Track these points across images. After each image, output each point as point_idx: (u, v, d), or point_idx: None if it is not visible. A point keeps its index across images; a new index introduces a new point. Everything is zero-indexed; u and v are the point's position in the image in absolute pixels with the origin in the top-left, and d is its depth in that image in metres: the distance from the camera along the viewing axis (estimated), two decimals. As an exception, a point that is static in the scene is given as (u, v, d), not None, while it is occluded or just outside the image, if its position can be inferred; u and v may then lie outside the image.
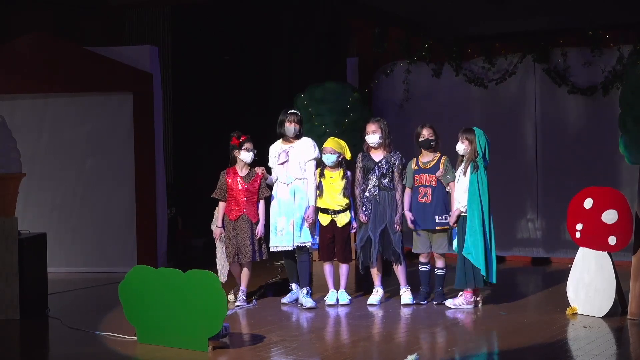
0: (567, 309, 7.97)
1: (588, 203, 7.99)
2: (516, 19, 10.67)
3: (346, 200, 8.62)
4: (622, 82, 10.27)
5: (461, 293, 8.36)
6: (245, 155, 8.66)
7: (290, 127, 8.70)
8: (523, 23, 10.89)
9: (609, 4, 10.02)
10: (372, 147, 8.58)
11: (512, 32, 11.24)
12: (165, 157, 11.70)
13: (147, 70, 11.03)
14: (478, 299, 8.40)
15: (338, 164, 8.63)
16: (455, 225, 8.33)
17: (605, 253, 7.86)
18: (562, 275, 9.12)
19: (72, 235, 10.96)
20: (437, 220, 8.42)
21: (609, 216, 7.83)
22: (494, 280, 8.22)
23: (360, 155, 8.69)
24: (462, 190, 8.23)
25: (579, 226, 8.02)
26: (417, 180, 8.54)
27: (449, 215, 8.37)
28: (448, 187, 8.42)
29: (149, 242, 10.89)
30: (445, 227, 8.42)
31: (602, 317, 7.74)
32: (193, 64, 13.49)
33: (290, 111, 8.77)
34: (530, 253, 11.49)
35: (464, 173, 8.23)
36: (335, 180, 8.63)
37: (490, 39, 11.43)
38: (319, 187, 8.63)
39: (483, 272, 8.10)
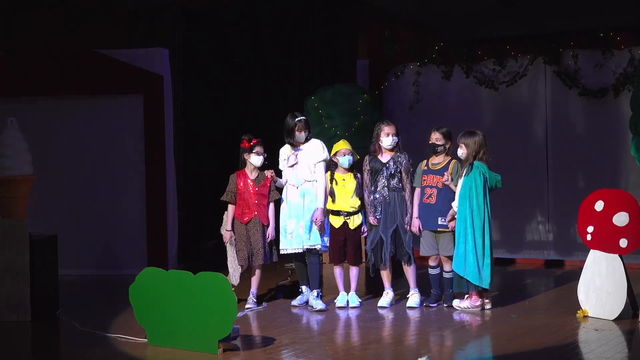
0: (578, 311, 7.95)
1: (599, 205, 7.96)
2: (526, 21, 10.65)
3: (359, 202, 8.62)
4: (633, 84, 10.24)
5: (467, 295, 8.35)
6: (256, 159, 8.67)
7: (300, 135, 8.69)
8: (533, 25, 10.87)
9: (619, 5, 10.00)
10: (387, 149, 8.58)
11: (522, 34, 11.22)
12: (175, 158, 11.69)
13: (157, 72, 11.05)
14: (486, 300, 8.39)
15: (352, 166, 8.64)
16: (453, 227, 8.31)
17: (617, 256, 7.84)
18: (573, 277, 9.11)
19: (83, 237, 10.95)
20: (439, 222, 8.41)
21: (620, 218, 7.81)
22: (487, 286, 8.19)
23: (366, 157, 8.67)
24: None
25: (590, 229, 7.99)
26: (424, 180, 8.53)
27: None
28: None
29: (159, 244, 10.91)
30: (448, 230, 8.40)
31: (613, 320, 7.71)
32: (204, 67, 13.49)
33: (297, 118, 8.70)
34: (540, 255, 11.45)
35: (460, 177, 8.23)
36: (347, 182, 8.62)
37: (501, 41, 11.40)
38: (331, 193, 8.62)
39: (476, 282, 8.11)
